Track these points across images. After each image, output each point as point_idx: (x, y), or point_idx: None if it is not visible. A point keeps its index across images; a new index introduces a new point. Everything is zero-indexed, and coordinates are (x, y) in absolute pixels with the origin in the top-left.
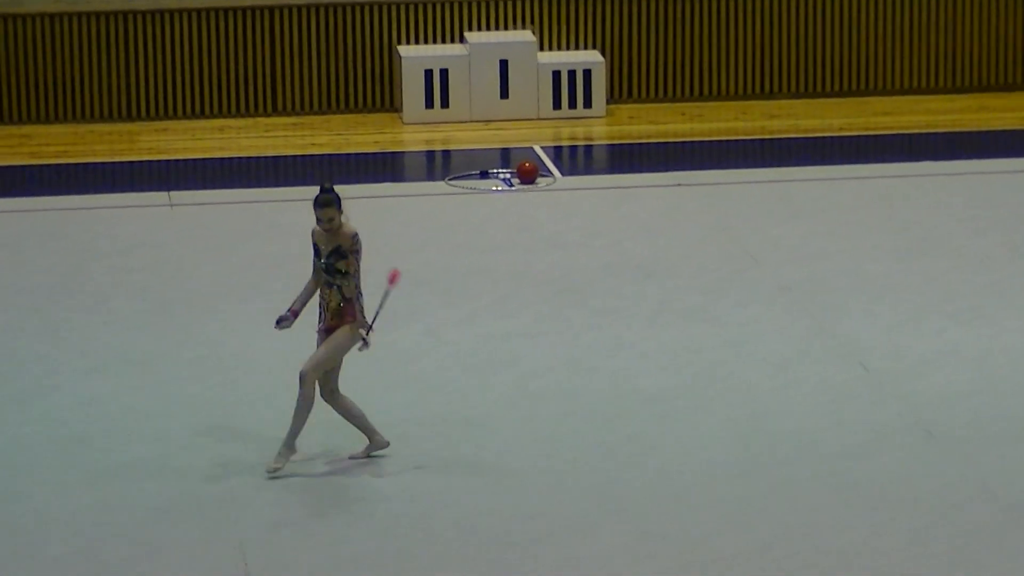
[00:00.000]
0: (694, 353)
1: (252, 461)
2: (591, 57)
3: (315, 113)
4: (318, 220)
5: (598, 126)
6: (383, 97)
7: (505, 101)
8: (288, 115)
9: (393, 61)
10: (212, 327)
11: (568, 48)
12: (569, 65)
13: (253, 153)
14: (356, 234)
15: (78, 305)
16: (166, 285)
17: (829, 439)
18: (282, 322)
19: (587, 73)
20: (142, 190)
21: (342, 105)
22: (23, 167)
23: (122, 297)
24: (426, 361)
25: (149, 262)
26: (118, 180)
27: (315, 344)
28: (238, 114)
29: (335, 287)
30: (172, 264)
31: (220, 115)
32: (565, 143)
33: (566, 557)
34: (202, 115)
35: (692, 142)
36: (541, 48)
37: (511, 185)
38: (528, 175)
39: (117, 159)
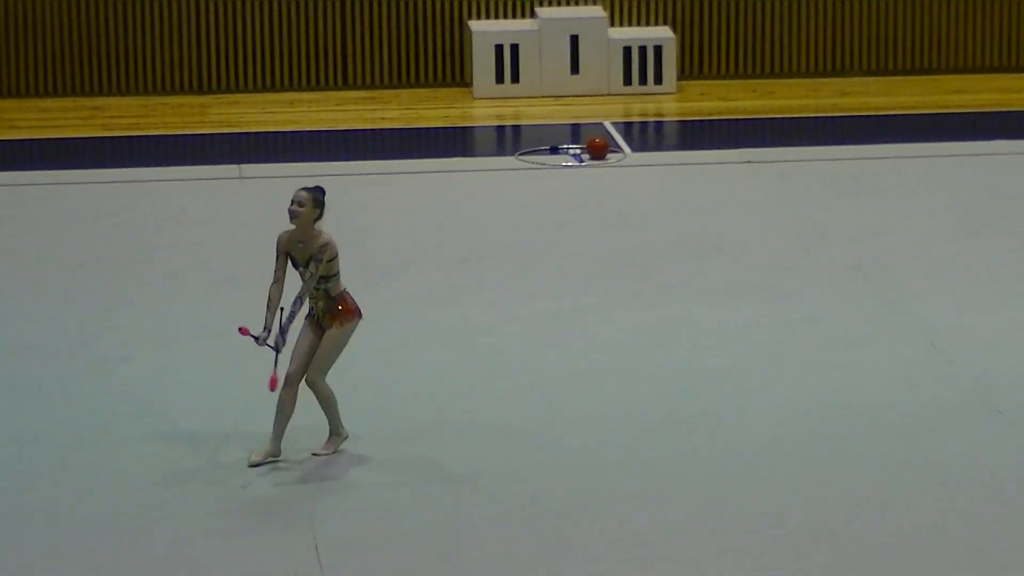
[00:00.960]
0: (762, 330)
1: (322, 428)
2: (662, 33)
3: (386, 87)
4: (291, 201)
5: (668, 102)
6: (454, 72)
7: (575, 76)
8: (359, 89)
9: (464, 36)
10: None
11: (639, 24)
12: (640, 41)
13: (323, 127)
14: (328, 242)
15: (149, 277)
16: (236, 258)
17: (898, 417)
18: (261, 342)
19: (658, 49)
20: (213, 163)
21: (413, 79)
22: (95, 139)
23: (193, 269)
24: (494, 336)
25: (219, 235)
26: (189, 153)
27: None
28: (309, 88)
29: (321, 290)
30: (242, 237)
31: (291, 88)
32: (635, 119)
33: (633, 533)
34: (273, 88)
35: (762, 119)
36: (612, 23)
37: (581, 161)
38: (598, 151)
39: (188, 131)
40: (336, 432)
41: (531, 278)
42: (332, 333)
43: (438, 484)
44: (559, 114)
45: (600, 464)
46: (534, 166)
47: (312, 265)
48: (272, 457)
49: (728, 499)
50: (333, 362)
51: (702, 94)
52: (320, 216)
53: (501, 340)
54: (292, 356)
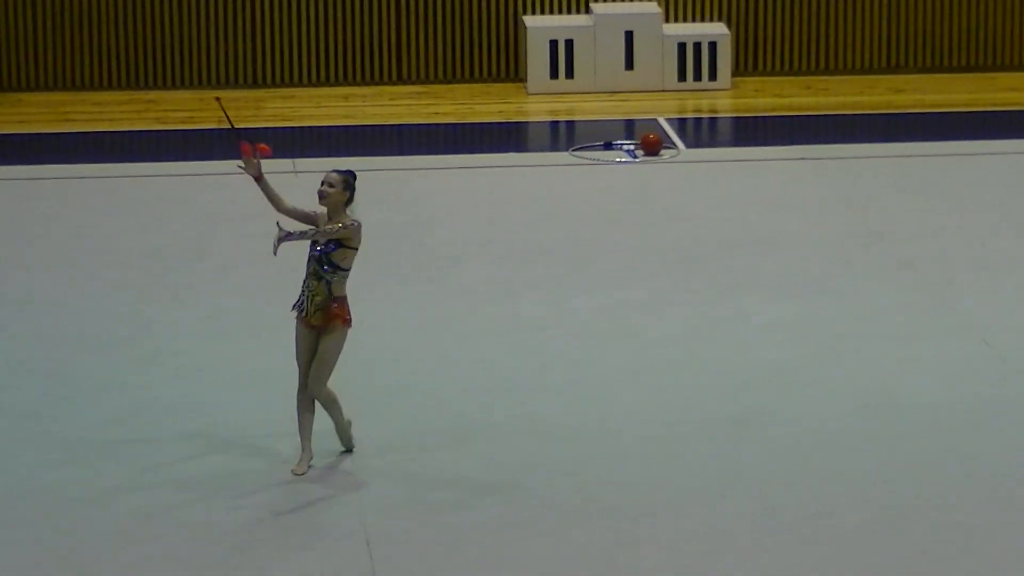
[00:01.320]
0: (816, 326)
1: (373, 423)
2: (717, 29)
3: (440, 82)
4: (321, 183)
5: (723, 99)
6: (508, 67)
7: (630, 72)
8: (413, 84)
9: (518, 31)
10: None
11: (694, 20)
12: (695, 37)
13: (377, 121)
14: (357, 223)
15: (203, 270)
16: (288, 252)
17: (951, 413)
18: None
19: (712, 45)
20: (267, 157)
21: (467, 74)
22: (149, 132)
23: (246, 263)
24: (549, 331)
25: (273, 228)
26: None
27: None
28: (363, 82)
29: (324, 281)
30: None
31: (345, 83)
32: (690, 115)
33: (686, 528)
34: (327, 83)
35: (817, 116)
36: (667, 19)
37: (635, 157)
38: (652, 147)
39: (242, 125)
40: (344, 437)
41: (584, 273)
42: (328, 343)
43: (490, 480)
44: (613, 110)
45: (653, 460)
46: (588, 162)
47: (330, 224)
48: (312, 462)
49: (782, 496)
50: (331, 368)
51: (756, 91)
52: (350, 200)
53: (554, 335)
54: (299, 366)
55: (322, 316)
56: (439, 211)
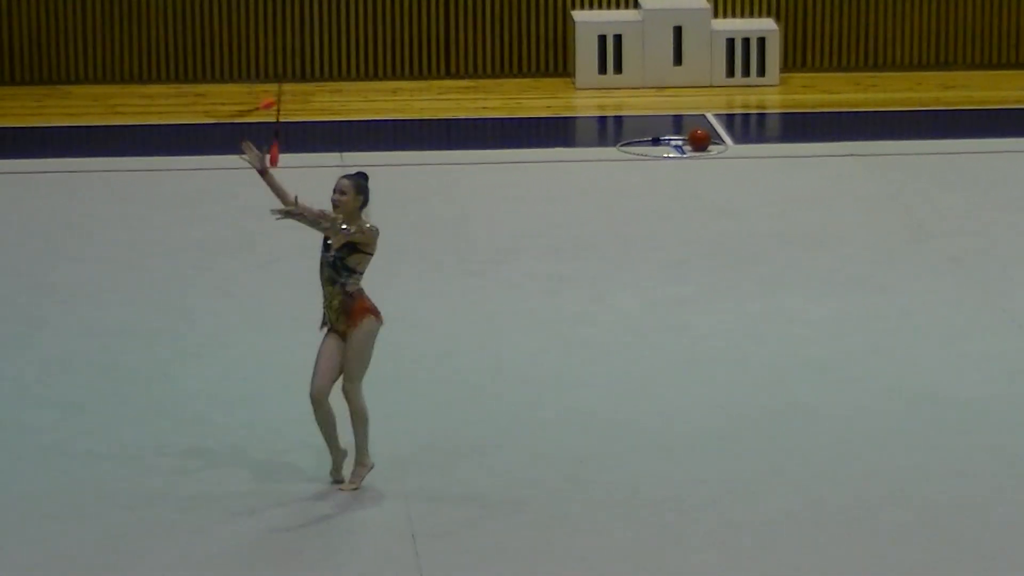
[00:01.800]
0: (863, 323)
1: (420, 418)
2: (765, 25)
3: (488, 77)
4: (333, 191)
5: (771, 94)
6: (556, 62)
7: (678, 68)
8: (461, 78)
9: (567, 26)
10: (379, 287)
11: (742, 15)
12: (743, 33)
13: (426, 115)
14: (372, 228)
15: (250, 263)
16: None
17: (996, 410)
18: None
19: (761, 41)
20: (315, 150)
21: (515, 69)
22: (198, 125)
23: (293, 256)
24: (595, 326)
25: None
26: (291, 140)
27: (318, 343)
28: (412, 76)
29: (338, 284)
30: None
31: (394, 77)
32: (738, 111)
33: (729, 522)
34: (376, 76)
35: (865, 112)
36: (715, 15)
37: (683, 152)
38: (700, 142)
39: (291, 119)
40: (361, 461)
41: (631, 269)
42: (354, 337)
43: (536, 474)
44: (661, 105)
45: (698, 455)
46: (636, 157)
47: (350, 227)
48: (365, 470)
49: (825, 492)
50: (365, 368)
51: (805, 86)
52: (365, 203)
53: (601, 330)
54: (315, 372)
55: (346, 319)
56: (486, 206)
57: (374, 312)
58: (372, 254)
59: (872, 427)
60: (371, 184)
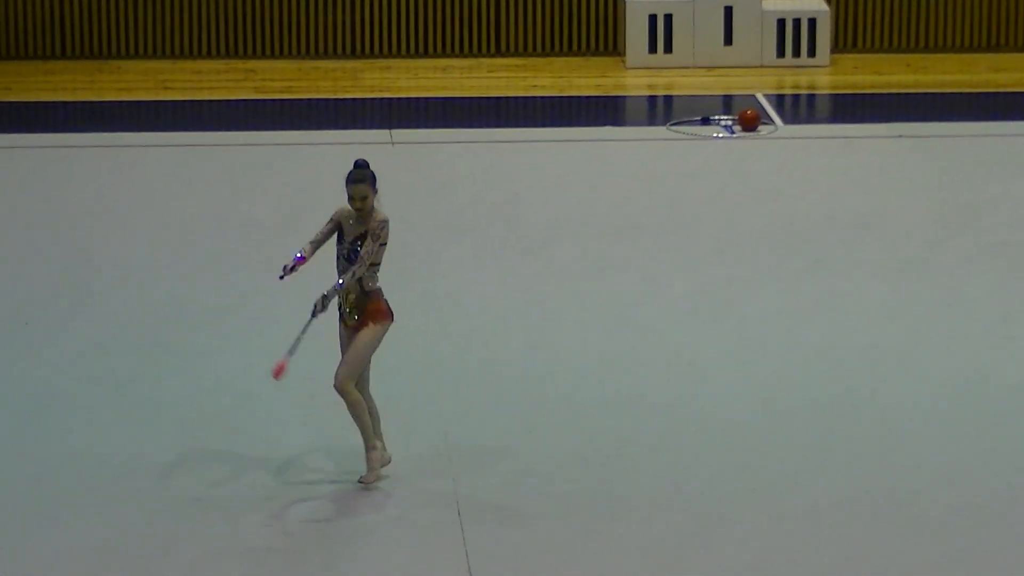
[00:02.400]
0: (912, 307)
1: (468, 399)
2: (816, 5)
3: (538, 55)
4: (349, 198)
5: (821, 75)
6: (606, 41)
7: (729, 48)
8: (511, 56)
9: (617, 5)
10: (427, 267)
11: None
12: (794, 13)
13: (475, 93)
14: (386, 221)
15: (297, 240)
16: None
17: None
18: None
19: (812, 22)
20: (364, 127)
21: (565, 48)
22: (247, 101)
23: None
24: (643, 307)
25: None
26: (341, 117)
27: (338, 336)
28: (462, 54)
29: (355, 279)
30: (390, 202)
31: (444, 55)
32: (788, 92)
33: (775, 511)
34: (426, 54)
35: (916, 94)
36: None
37: (732, 132)
38: (750, 123)
39: (340, 96)
40: (371, 446)
41: (680, 250)
42: (365, 334)
43: (581, 457)
44: (711, 85)
45: (745, 440)
46: (685, 137)
47: (370, 242)
48: (384, 462)
49: (871, 479)
50: (363, 364)
51: (855, 68)
52: (376, 190)
53: (648, 312)
54: (340, 363)
55: (359, 315)
56: (535, 185)
57: (387, 315)
58: (386, 244)
59: (920, 413)
60: (421, 162)
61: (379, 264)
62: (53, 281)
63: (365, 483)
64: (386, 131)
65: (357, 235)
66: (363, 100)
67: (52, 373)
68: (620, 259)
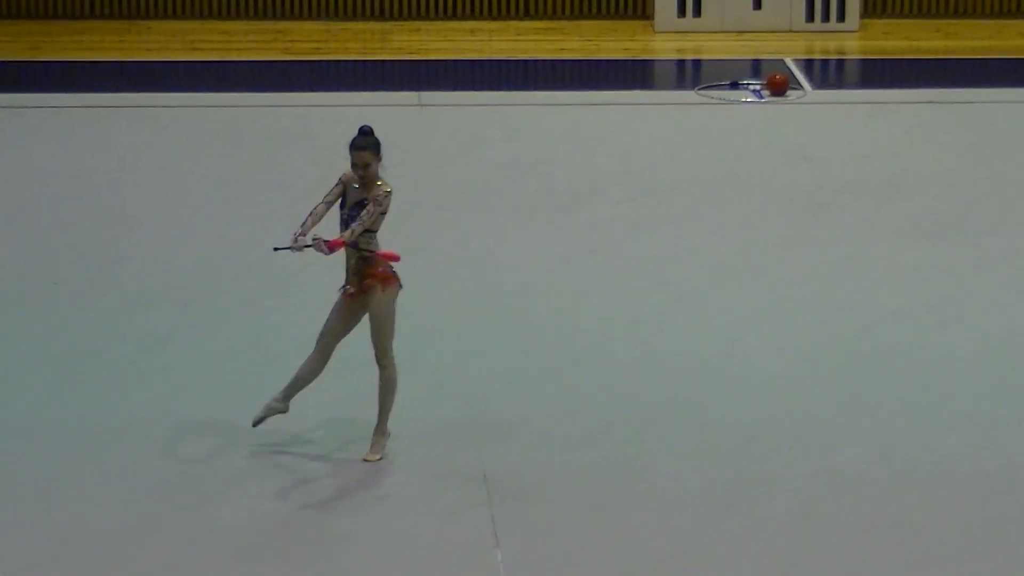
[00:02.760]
0: (942, 271)
1: (500, 359)
2: None
3: (567, 18)
4: (353, 165)
5: (851, 40)
6: (635, 4)
7: (758, 12)
8: (540, 19)
9: None
10: (457, 227)
11: None
12: None
13: (504, 56)
14: (390, 192)
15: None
16: (413, 185)
17: None
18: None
19: None
20: (392, 89)
21: (594, 11)
22: (277, 62)
23: None
24: (672, 270)
25: (396, 161)
26: (369, 78)
27: (333, 303)
28: (491, 17)
29: (352, 244)
30: (419, 164)
31: (473, 17)
32: (817, 57)
33: (810, 469)
34: (455, 16)
35: (946, 60)
36: None
37: (761, 97)
38: (778, 87)
39: (369, 58)
40: (381, 430)
41: (709, 213)
42: (373, 309)
43: (613, 416)
44: (740, 49)
45: (777, 401)
46: (714, 101)
47: (372, 207)
48: (278, 413)
49: (904, 440)
50: (391, 336)
51: (885, 33)
52: (380, 158)
53: (678, 275)
54: (322, 332)
55: (358, 281)
56: (565, 148)
57: (387, 277)
58: (386, 213)
59: (952, 375)
60: (449, 124)
61: (375, 232)
62: (83, 240)
63: (368, 461)
64: (415, 93)
65: (357, 201)
66: (392, 62)
67: (82, 332)
68: (650, 222)
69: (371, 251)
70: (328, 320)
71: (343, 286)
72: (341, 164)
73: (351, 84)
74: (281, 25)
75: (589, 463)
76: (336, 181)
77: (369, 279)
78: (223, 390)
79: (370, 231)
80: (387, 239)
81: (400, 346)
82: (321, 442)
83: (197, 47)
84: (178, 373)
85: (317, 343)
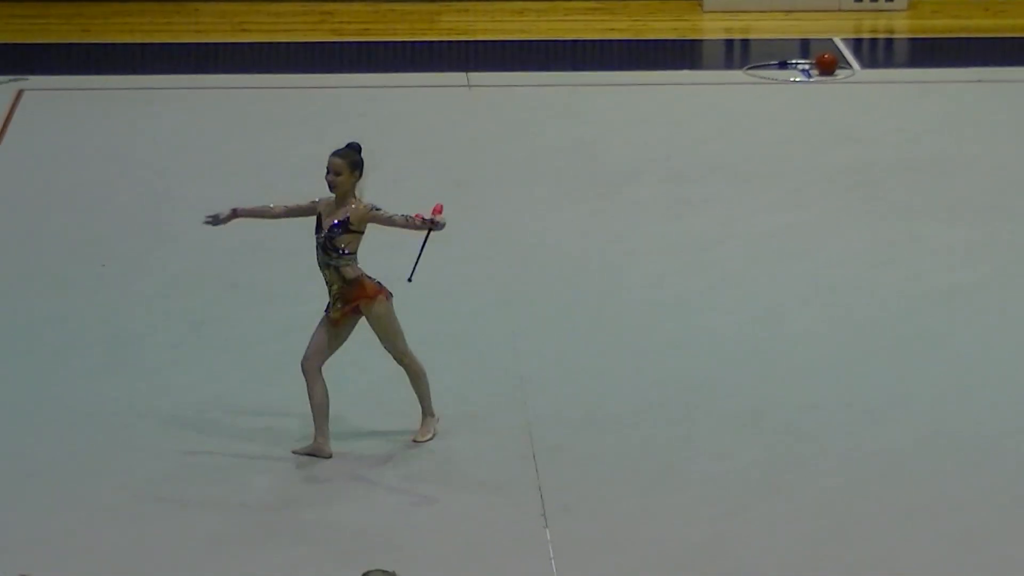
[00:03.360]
0: (991, 250)
1: (544, 340)
2: None
3: None
4: (327, 170)
5: (900, 19)
6: None
7: None
8: None
9: None
10: (505, 207)
11: None
12: None
13: (552, 36)
14: (373, 207)
15: (376, 182)
16: (461, 165)
17: None
18: (216, 220)
19: None
20: (441, 70)
21: None
22: (324, 44)
23: (418, 176)
24: (719, 249)
25: (445, 142)
26: (417, 60)
27: (314, 327)
28: None
29: (332, 268)
30: (467, 145)
31: None
32: (865, 36)
33: (853, 448)
34: None
35: (995, 38)
36: None
37: (809, 76)
38: (827, 67)
39: (417, 39)
40: (428, 413)
41: (757, 193)
42: (376, 323)
43: (659, 398)
44: (789, 29)
45: (824, 381)
46: (762, 80)
47: (392, 218)
48: (320, 454)
49: (953, 420)
50: (400, 339)
51: (934, 11)
52: (360, 177)
53: (725, 254)
54: (308, 345)
55: (343, 306)
56: (612, 128)
57: (376, 294)
58: (362, 232)
59: (1000, 355)
60: (498, 105)
61: (353, 253)
62: (130, 221)
63: (418, 441)
64: (463, 74)
65: (336, 221)
66: (440, 43)
67: (129, 313)
68: (697, 201)
69: (355, 277)
70: (312, 342)
71: (327, 310)
72: (388, 145)
73: (399, 65)
74: (329, 6)
75: (636, 443)
76: (312, 199)
77: (355, 302)
78: (268, 372)
79: (346, 253)
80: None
81: (446, 327)
82: (370, 422)
83: (245, 28)
84: (224, 354)
85: (305, 370)
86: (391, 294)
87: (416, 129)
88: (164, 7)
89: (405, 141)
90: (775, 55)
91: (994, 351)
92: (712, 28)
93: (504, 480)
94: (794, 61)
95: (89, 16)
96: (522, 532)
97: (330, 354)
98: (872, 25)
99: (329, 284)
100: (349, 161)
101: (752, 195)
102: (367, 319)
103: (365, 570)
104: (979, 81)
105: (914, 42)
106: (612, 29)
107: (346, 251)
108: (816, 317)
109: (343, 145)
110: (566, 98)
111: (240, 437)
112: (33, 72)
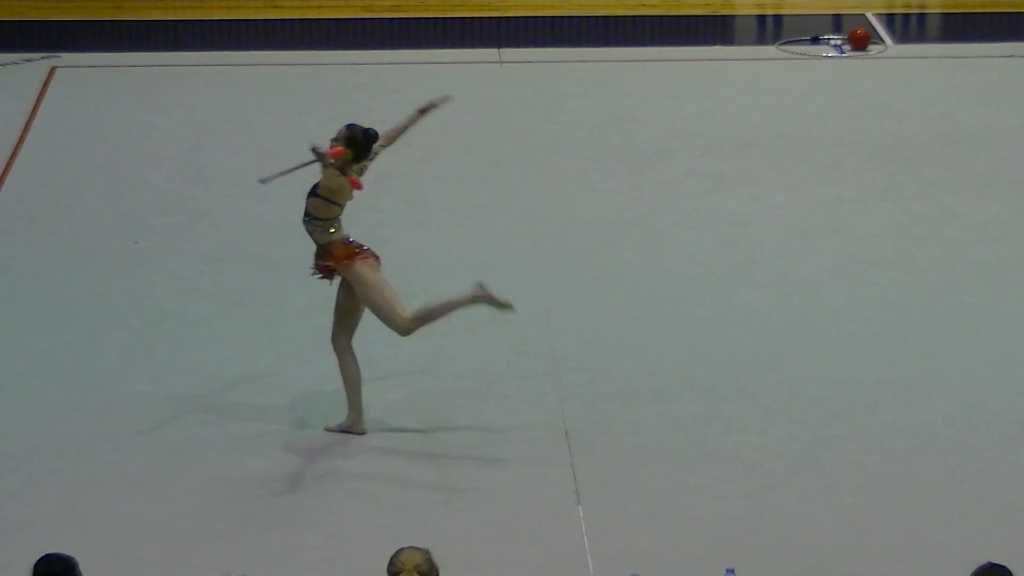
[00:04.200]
0: None
1: (577, 315)
2: None
3: None
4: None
5: None
6: None
7: None
8: None
9: None
10: (538, 184)
11: None
12: None
13: (583, 12)
14: (339, 178)
15: (407, 158)
16: (494, 141)
17: None
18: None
19: None
20: (473, 46)
21: None
22: (356, 20)
23: (450, 152)
24: (754, 225)
25: (478, 118)
26: (449, 36)
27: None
28: None
29: (307, 231)
30: (500, 121)
31: None
32: (898, 11)
33: (890, 424)
34: None
35: None
36: None
37: (842, 52)
38: (860, 42)
39: (449, 15)
40: (461, 301)
41: (789, 169)
42: (357, 290)
43: (691, 373)
44: (821, 4)
45: (856, 356)
46: (795, 56)
47: (321, 203)
48: (353, 431)
49: (985, 396)
50: (388, 303)
51: None
52: (353, 159)
53: (759, 230)
54: (333, 333)
55: (314, 269)
56: (645, 104)
57: (345, 257)
58: (332, 201)
59: None
60: (530, 81)
61: (327, 219)
62: (164, 198)
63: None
64: (495, 50)
65: (314, 184)
66: (471, 19)
67: (163, 290)
68: (730, 177)
69: (324, 242)
70: (333, 319)
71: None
72: (419, 122)
73: (431, 41)
74: None
75: (670, 419)
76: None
77: (327, 265)
78: (302, 349)
79: (319, 219)
80: (467, 194)
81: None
82: (402, 399)
83: (277, 5)
84: (258, 331)
85: (335, 348)
86: (377, 258)
87: (449, 108)
88: None
89: (436, 118)
90: (807, 30)
91: None
92: (744, 3)
93: (537, 457)
94: (827, 36)
95: None
96: (555, 509)
97: (352, 326)
98: (904, 0)
99: (311, 233)
100: (347, 135)
101: (785, 171)
102: (351, 283)
103: (399, 547)
104: (1011, 56)
105: (946, 17)
106: (644, 4)
107: (314, 215)
108: (850, 292)
109: (366, 127)
110: (598, 74)
111: (273, 414)
112: (66, 49)
